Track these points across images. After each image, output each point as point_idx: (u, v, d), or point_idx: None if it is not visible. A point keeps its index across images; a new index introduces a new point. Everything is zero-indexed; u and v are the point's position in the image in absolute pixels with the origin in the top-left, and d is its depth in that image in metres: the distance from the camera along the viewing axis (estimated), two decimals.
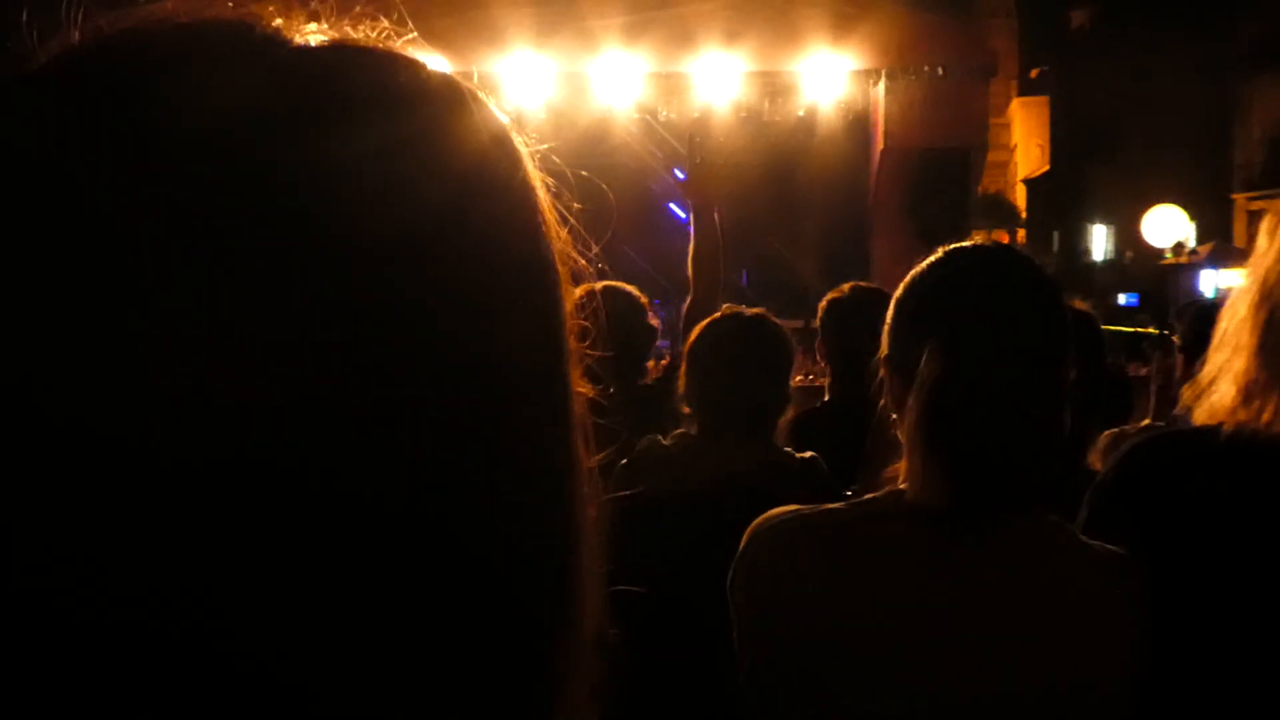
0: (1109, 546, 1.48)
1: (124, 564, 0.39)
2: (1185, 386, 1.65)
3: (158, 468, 0.39)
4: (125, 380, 0.40)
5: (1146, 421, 3.10)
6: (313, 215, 0.42)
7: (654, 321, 3.78)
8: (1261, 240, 1.58)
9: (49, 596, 0.39)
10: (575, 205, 0.55)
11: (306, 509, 0.41)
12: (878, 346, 1.57)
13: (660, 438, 2.43)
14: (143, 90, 0.43)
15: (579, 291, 0.54)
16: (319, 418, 0.41)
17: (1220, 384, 1.57)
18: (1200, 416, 1.61)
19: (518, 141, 0.52)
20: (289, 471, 0.41)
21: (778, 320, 2.61)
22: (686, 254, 3.95)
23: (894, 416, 1.55)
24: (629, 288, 3.54)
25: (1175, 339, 3.30)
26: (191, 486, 0.40)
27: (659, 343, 4.32)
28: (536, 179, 0.52)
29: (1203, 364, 1.62)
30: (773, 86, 12.88)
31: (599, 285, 0.59)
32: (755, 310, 2.63)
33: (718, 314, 2.60)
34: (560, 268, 0.51)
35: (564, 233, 0.53)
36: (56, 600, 0.39)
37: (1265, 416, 1.50)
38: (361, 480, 0.42)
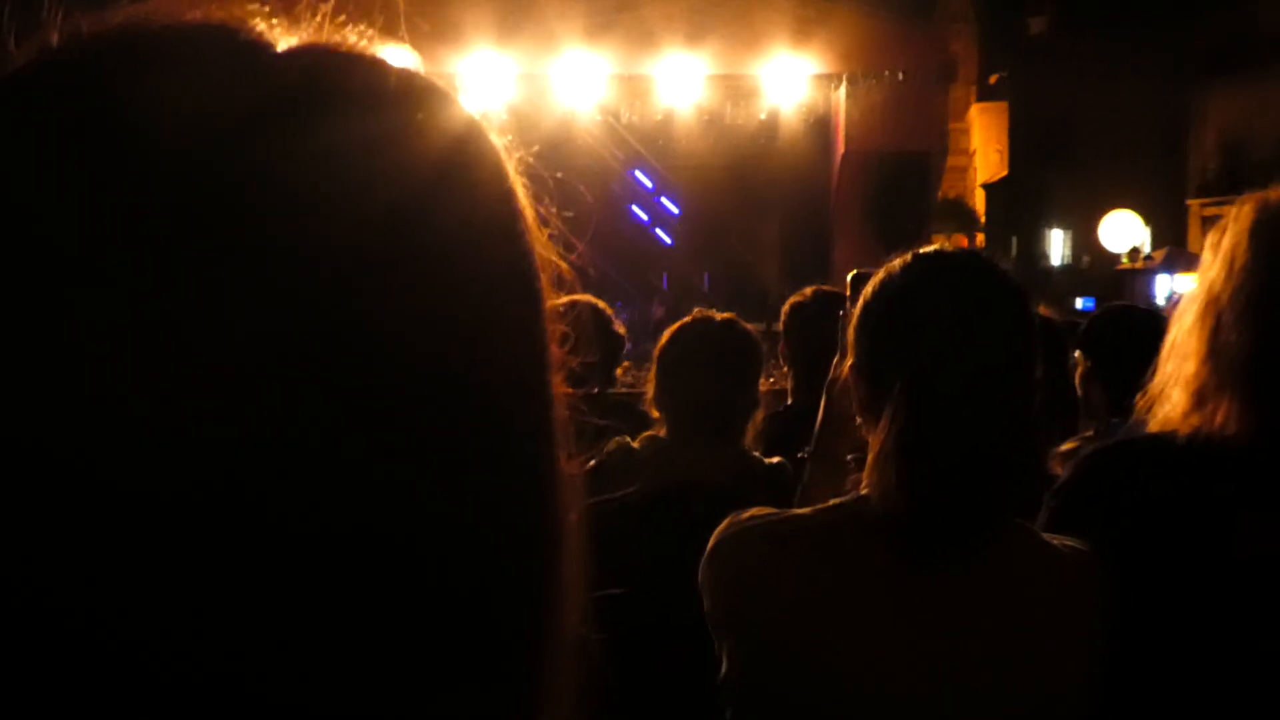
0: (1071, 543, 1.50)
1: (99, 584, 0.39)
2: (1138, 396, 1.69)
3: (118, 487, 0.39)
4: (76, 392, 0.39)
5: (1090, 433, 3.13)
6: (288, 219, 0.42)
7: (620, 329, 3.80)
8: (1207, 254, 1.63)
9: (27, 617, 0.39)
10: (555, 209, 0.55)
11: (280, 529, 0.41)
12: (840, 350, 1.57)
13: (629, 440, 2.42)
14: (119, 96, 0.42)
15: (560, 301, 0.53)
16: (287, 434, 0.41)
17: (1172, 392, 1.61)
18: (1154, 425, 1.64)
19: (497, 142, 0.51)
20: (260, 489, 0.40)
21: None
22: (647, 254, 3.99)
23: (858, 420, 1.55)
24: (594, 299, 3.56)
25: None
26: (154, 507, 0.39)
27: (624, 349, 4.35)
28: (517, 180, 0.51)
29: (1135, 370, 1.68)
30: (735, 90, 12.93)
31: (568, 298, 0.59)
32: (725, 315, 2.63)
33: (687, 318, 2.60)
34: (541, 272, 0.51)
35: (544, 235, 0.52)
36: (38, 622, 0.39)
37: (1218, 419, 1.53)
38: (334, 495, 0.41)
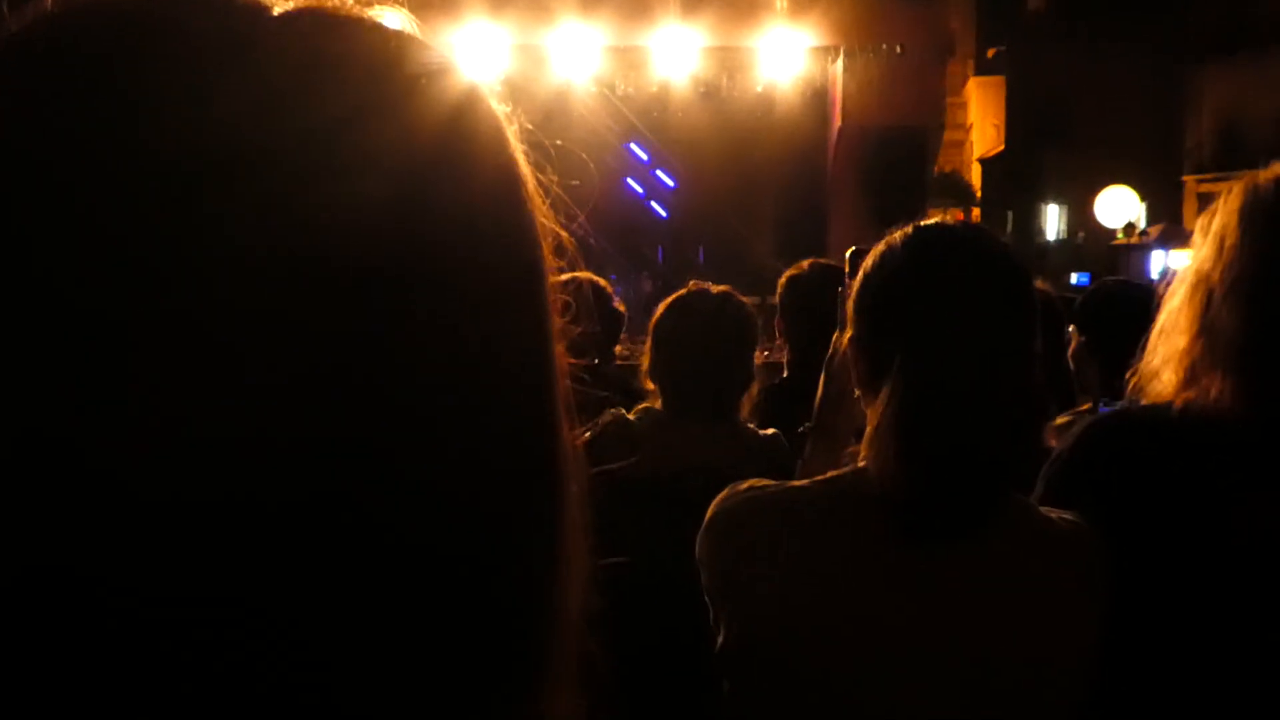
0: (1068, 518, 1.50)
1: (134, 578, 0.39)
2: (1129, 373, 1.71)
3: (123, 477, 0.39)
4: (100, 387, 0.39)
5: (1085, 407, 3.14)
6: (290, 189, 0.41)
7: (620, 307, 3.81)
8: (1197, 236, 1.67)
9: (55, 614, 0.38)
10: (555, 178, 0.54)
11: (293, 511, 0.40)
12: (839, 325, 1.57)
13: (625, 412, 2.42)
14: (121, 63, 0.42)
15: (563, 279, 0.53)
16: (290, 416, 0.40)
17: (1165, 369, 1.62)
18: (1148, 400, 1.66)
19: (497, 109, 0.51)
20: (271, 474, 0.40)
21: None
22: (642, 228, 4.02)
23: (857, 393, 1.55)
24: (595, 277, 3.56)
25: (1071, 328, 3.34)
26: (174, 506, 0.39)
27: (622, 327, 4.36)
28: (518, 148, 0.51)
29: (1127, 347, 1.69)
30: (731, 62, 12.87)
31: (567, 276, 0.58)
32: (721, 288, 2.62)
33: (683, 290, 2.59)
34: (544, 241, 0.50)
35: (545, 205, 0.52)
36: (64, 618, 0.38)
37: (1212, 393, 1.55)
38: (343, 475, 0.41)
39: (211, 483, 0.39)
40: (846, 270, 1.80)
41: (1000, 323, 1.45)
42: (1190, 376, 1.59)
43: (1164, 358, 1.64)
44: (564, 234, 0.53)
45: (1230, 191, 1.63)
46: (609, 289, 3.70)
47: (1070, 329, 3.30)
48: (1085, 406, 3.11)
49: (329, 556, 0.41)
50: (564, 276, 0.53)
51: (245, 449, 0.40)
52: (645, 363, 2.53)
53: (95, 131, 0.40)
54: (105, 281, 0.39)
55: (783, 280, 3.59)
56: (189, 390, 0.39)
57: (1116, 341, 2.27)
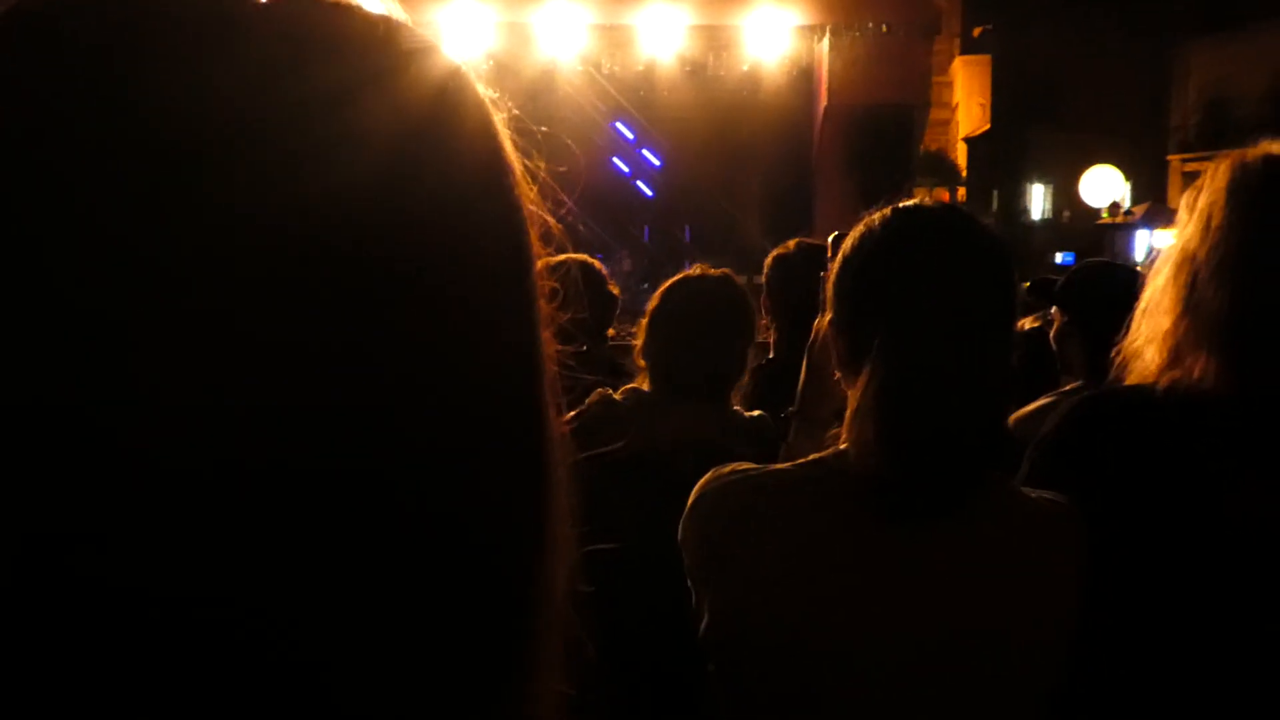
0: (1050, 497, 1.51)
1: (142, 555, 0.39)
2: (1113, 352, 1.71)
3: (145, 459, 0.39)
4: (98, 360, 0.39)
5: (1069, 387, 3.14)
6: (277, 175, 0.41)
7: (614, 289, 3.78)
8: (1182, 213, 1.65)
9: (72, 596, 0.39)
10: (542, 164, 0.54)
11: (283, 489, 0.41)
12: (822, 304, 1.57)
13: (612, 392, 2.41)
14: (110, 43, 0.42)
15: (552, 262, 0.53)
16: (282, 394, 0.40)
17: (1149, 348, 1.62)
18: (1131, 381, 1.66)
19: (484, 93, 0.51)
20: (273, 457, 0.40)
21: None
22: (628, 207, 3.99)
23: (837, 376, 1.55)
24: (589, 259, 3.54)
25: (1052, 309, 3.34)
26: (175, 484, 0.39)
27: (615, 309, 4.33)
28: (504, 133, 0.51)
29: (1107, 326, 1.70)
30: (717, 41, 12.84)
31: (561, 257, 0.58)
32: (721, 271, 2.60)
33: (682, 274, 2.58)
34: (530, 225, 0.50)
35: (533, 190, 0.52)
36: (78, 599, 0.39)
37: (1196, 373, 1.55)
38: (330, 455, 0.41)
39: (200, 457, 0.39)
40: (830, 254, 1.80)
41: (978, 302, 1.45)
42: (1174, 356, 1.59)
43: (1148, 337, 1.64)
44: (551, 220, 0.54)
45: (1216, 169, 1.61)
46: (603, 271, 3.67)
47: (1053, 309, 3.31)
48: (1070, 386, 3.12)
49: (318, 537, 0.41)
50: (557, 259, 0.53)
51: (230, 425, 0.40)
52: (638, 342, 2.51)
53: (84, 111, 0.40)
54: (100, 265, 0.39)
55: (769, 260, 3.58)
56: (182, 365, 0.39)
57: (1100, 321, 2.27)
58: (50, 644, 0.39)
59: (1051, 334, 3.22)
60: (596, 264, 3.59)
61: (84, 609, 0.39)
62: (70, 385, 0.39)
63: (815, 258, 2.96)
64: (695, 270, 2.57)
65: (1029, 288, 3.37)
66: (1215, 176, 1.60)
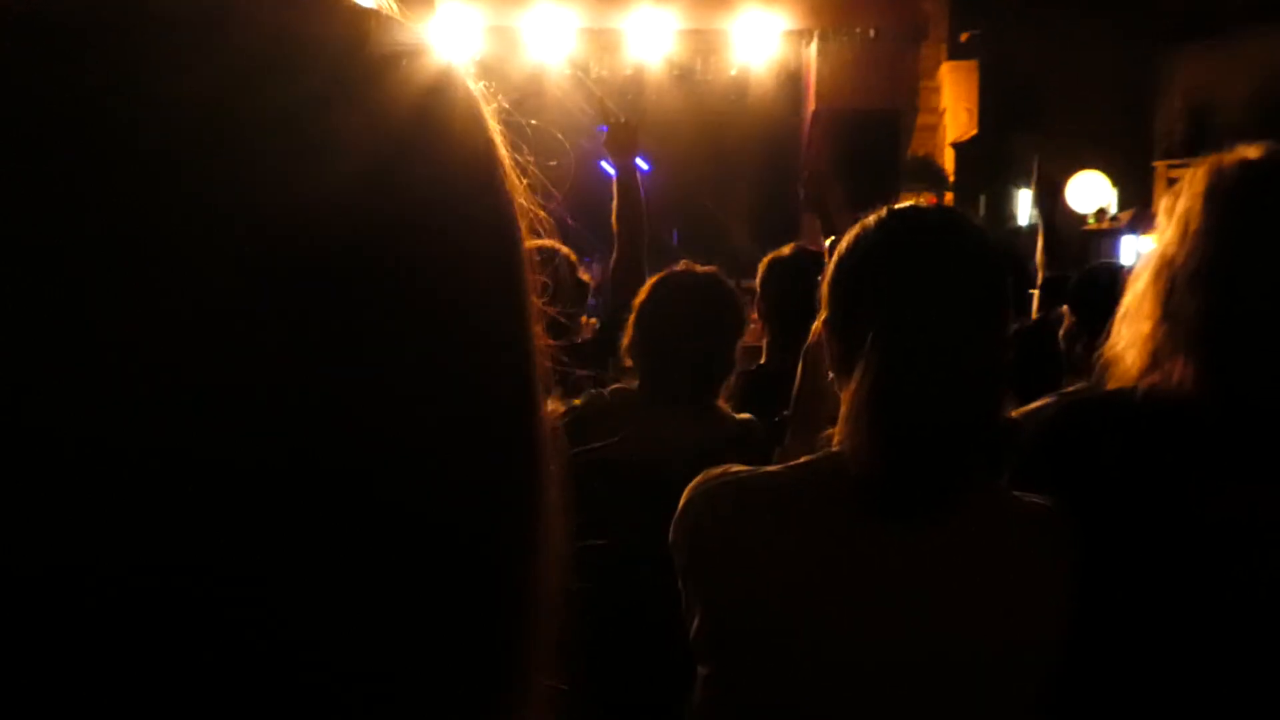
0: (1037, 500, 1.51)
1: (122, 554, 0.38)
2: (1095, 355, 1.71)
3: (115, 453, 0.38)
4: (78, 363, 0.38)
5: (1073, 388, 3.16)
6: (265, 172, 0.41)
7: (585, 277, 3.77)
8: (1161, 218, 1.66)
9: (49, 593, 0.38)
10: (533, 158, 0.54)
11: (270, 483, 0.40)
12: (817, 309, 1.57)
13: (601, 391, 2.40)
14: (91, 37, 0.41)
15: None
16: (269, 390, 0.40)
17: (1129, 353, 1.63)
18: (1113, 384, 1.66)
19: (474, 89, 0.50)
20: (263, 458, 0.40)
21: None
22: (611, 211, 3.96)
23: (831, 376, 1.55)
24: (559, 245, 3.52)
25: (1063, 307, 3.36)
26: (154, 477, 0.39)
27: (588, 301, 4.32)
28: (495, 129, 0.50)
29: (1107, 328, 1.69)
30: (705, 45, 12.86)
31: (542, 243, 0.58)
32: (708, 269, 2.59)
33: (670, 270, 2.56)
34: (520, 221, 0.50)
35: (523, 185, 0.51)
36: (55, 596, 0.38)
37: (1174, 377, 1.56)
38: (320, 451, 0.41)
39: (183, 459, 0.39)
40: (827, 260, 1.80)
41: (971, 304, 1.45)
42: (1153, 360, 1.59)
43: (1128, 341, 1.64)
44: (542, 215, 0.53)
45: (1194, 174, 1.62)
46: (573, 258, 3.66)
47: (1063, 309, 3.33)
48: (1075, 387, 3.13)
49: (304, 536, 0.41)
50: (536, 243, 0.53)
51: (214, 425, 0.39)
52: (625, 340, 2.50)
53: (61, 110, 0.40)
54: (80, 266, 0.39)
55: (764, 264, 3.58)
56: (163, 366, 0.39)
57: (1106, 323, 2.28)
58: (27, 653, 0.38)
59: (1060, 333, 3.24)
60: (564, 249, 3.58)
61: (51, 614, 0.38)
62: (49, 386, 0.38)
63: (811, 263, 2.96)
64: (681, 266, 2.56)
65: (1041, 286, 3.40)
66: (1193, 182, 1.61)
